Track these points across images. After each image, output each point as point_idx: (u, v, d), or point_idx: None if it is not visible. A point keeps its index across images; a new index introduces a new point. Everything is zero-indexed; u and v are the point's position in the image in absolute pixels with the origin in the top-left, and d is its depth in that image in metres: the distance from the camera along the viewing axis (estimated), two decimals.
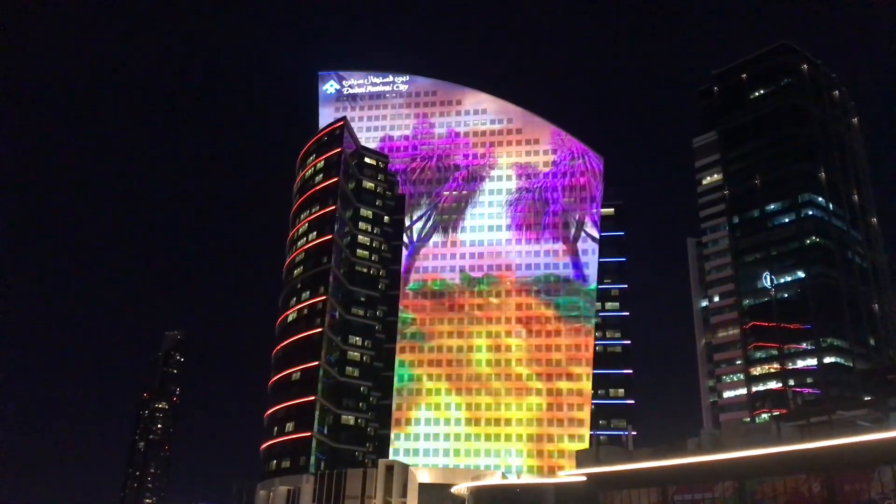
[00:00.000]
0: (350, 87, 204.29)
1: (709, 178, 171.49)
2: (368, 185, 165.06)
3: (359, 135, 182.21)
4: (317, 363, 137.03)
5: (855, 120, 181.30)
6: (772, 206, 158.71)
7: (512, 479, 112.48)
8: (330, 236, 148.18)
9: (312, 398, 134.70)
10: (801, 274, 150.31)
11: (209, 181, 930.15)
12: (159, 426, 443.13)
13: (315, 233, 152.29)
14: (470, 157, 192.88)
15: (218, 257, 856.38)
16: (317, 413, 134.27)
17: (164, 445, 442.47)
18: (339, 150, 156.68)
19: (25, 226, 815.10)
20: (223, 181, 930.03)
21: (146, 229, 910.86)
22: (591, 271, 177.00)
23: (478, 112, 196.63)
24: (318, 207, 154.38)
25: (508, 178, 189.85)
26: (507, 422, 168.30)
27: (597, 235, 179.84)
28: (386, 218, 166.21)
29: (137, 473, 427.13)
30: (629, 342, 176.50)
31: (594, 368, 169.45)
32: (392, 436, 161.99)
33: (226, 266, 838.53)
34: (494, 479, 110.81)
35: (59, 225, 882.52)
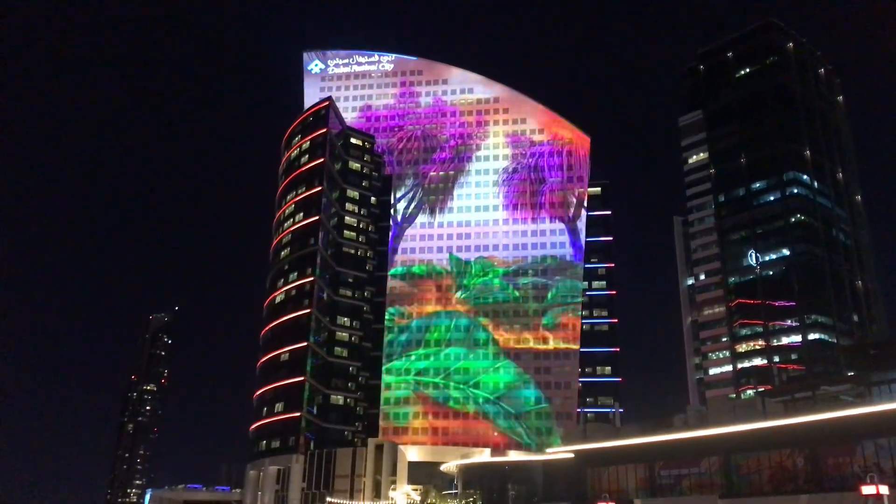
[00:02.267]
0: (335, 66, 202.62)
1: (695, 156, 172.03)
2: (354, 165, 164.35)
3: (344, 114, 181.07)
4: (305, 344, 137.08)
5: (840, 98, 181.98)
6: (757, 185, 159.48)
7: (500, 457, 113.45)
8: (316, 217, 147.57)
9: (301, 379, 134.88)
10: (785, 252, 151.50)
11: (194, 162, 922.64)
12: (148, 408, 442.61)
13: (301, 214, 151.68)
14: (457, 133, 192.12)
15: (204, 239, 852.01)
16: (306, 393, 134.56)
17: (153, 427, 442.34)
18: (324, 130, 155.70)
19: (8, 209, 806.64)
20: (208, 162, 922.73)
21: (130, 212, 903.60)
22: (579, 251, 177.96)
23: (464, 91, 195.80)
24: (304, 189, 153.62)
25: (496, 157, 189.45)
26: (496, 400, 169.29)
27: (584, 215, 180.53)
28: (373, 199, 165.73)
29: (126, 455, 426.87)
30: (616, 321, 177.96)
31: (581, 347, 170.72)
32: (381, 415, 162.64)
33: (212, 248, 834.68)
34: (483, 457, 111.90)
35: (42, 209, 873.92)
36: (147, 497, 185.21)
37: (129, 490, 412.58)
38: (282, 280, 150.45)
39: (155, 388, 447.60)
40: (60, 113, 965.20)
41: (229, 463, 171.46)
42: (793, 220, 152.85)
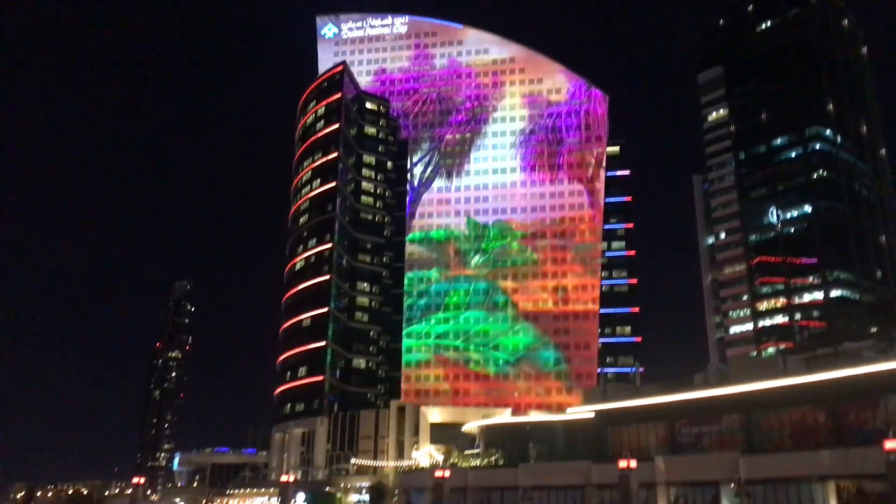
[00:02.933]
0: (349, 30, 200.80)
1: (714, 113, 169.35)
2: (370, 130, 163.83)
3: (358, 78, 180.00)
4: (326, 309, 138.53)
5: (864, 50, 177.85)
6: (778, 141, 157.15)
7: (521, 417, 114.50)
8: (334, 184, 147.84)
9: (323, 343, 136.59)
10: (807, 208, 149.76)
11: (212, 130, 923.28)
12: (173, 374, 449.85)
13: (319, 181, 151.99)
14: (473, 95, 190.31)
15: (223, 207, 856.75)
16: (328, 358, 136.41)
17: (179, 393, 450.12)
18: (339, 95, 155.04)
19: (28, 185, 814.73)
20: (225, 130, 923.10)
21: (149, 184, 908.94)
22: (598, 212, 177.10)
23: (480, 52, 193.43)
24: (320, 155, 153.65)
25: (513, 119, 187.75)
26: (516, 362, 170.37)
27: (602, 175, 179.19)
28: (389, 164, 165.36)
29: (154, 421, 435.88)
30: (635, 281, 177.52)
31: (601, 308, 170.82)
32: (403, 378, 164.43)
33: (231, 216, 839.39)
34: (504, 417, 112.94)
35: (59, 186, 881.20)
36: (176, 460, 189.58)
37: (158, 454, 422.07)
38: (301, 247, 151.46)
39: (180, 355, 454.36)
40: (81, 89, 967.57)
41: (255, 426, 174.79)
42: (815, 175, 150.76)
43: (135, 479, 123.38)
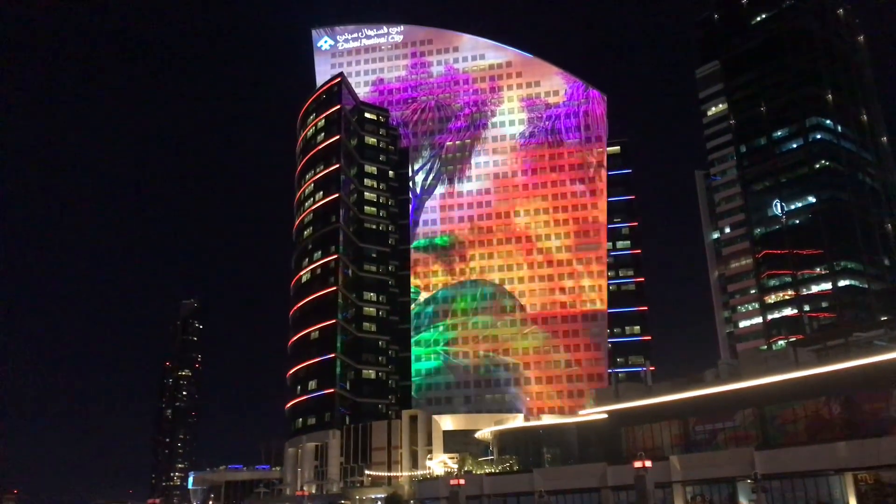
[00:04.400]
0: (344, 41, 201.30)
1: (714, 108, 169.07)
2: (370, 140, 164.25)
3: (356, 89, 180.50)
4: (334, 321, 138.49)
5: (861, 38, 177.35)
6: (779, 133, 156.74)
7: (534, 421, 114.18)
8: (336, 195, 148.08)
9: (332, 355, 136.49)
10: (811, 199, 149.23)
11: (212, 147, 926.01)
12: (184, 393, 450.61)
13: (321, 192, 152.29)
14: (471, 101, 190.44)
15: (225, 224, 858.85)
16: (338, 369, 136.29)
17: (191, 412, 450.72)
18: (338, 107, 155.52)
19: (34, 205, 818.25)
20: (226, 147, 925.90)
21: (147, 203, 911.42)
22: (601, 211, 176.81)
23: (476, 57, 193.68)
24: (322, 167, 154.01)
25: (512, 122, 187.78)
26: (526, 365, 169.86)
27: (604, 175, 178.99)
28: (391, 173, 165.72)
29: (167, 440, 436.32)
30: (642, 279, 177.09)
31: (609, 307, 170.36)
32: (413, 386, 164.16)
33: (234, 232, 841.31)
34: (517, 423, 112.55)
35: (53, 206, 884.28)
36: (190, 479, 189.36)
37: (172, 473, 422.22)
38: (306, 259, 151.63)
39: (190, 373, 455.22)
40: (82, 106, 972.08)
41: (268, 441, 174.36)
42: (817, 166, 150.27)
43: (150, 501, 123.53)
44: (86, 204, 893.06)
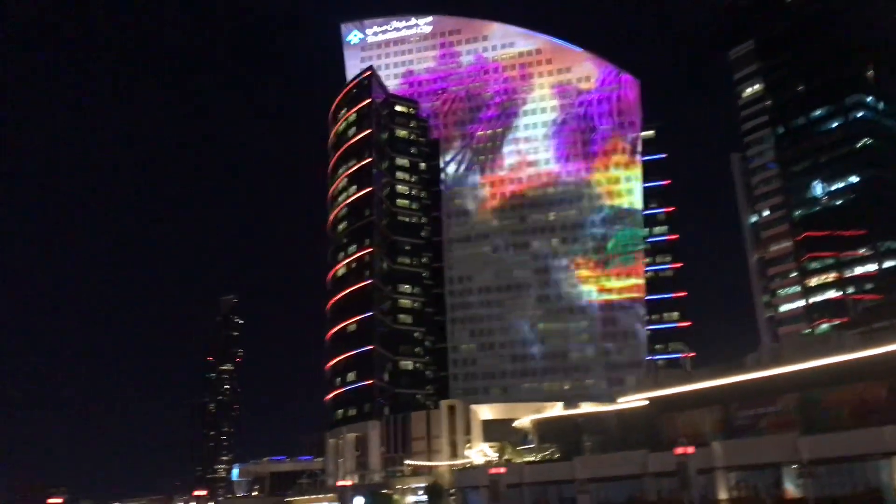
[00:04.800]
0: (373, 34, 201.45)
1: (749, 89, 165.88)
2: (401, 133, 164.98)
3: (386, 82, 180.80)
4: (371, 313, 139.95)
5: None
6: (818, 112, 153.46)
7: (573, 410, 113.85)
8: (370, 189, 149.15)
9: (370, 347, 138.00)
10: (853, 178, 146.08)
11: (246, 145, 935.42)
12: (227, 387, 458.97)
13: (355, 187, 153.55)
14: (501, 90, 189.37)
15: (260, 219, 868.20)
16: (376, 361, 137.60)
17: (233, 405, 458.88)
18: (369, 101, 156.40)
19: (66, 208, 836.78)
20: (259, 144, 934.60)
21: (181, 201, 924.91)
22: (637, 198, 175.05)
23: (505, 45, 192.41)
24: (354, 161, 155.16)
25: (543, 110, 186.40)
26: (565, 353, 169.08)
27: (639, 160, 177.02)
28: (422, 165, 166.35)
29: (212, 433, 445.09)
30: (680, 265, 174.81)
31: (646, 294, 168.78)
32: (451, 377, 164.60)
33: (269, 227, 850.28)
34: (556, 411, 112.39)
35: (108, 213, 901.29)
36: (235, 471, 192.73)
37: (216, 466, 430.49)
38: (342, 253, 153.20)
39: (232, 368, 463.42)
40: (113, 106, 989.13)
41: (309, 433, 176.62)
42: (858, 145, 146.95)
43: (196, 492, 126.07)
44: (130, 207, 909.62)
